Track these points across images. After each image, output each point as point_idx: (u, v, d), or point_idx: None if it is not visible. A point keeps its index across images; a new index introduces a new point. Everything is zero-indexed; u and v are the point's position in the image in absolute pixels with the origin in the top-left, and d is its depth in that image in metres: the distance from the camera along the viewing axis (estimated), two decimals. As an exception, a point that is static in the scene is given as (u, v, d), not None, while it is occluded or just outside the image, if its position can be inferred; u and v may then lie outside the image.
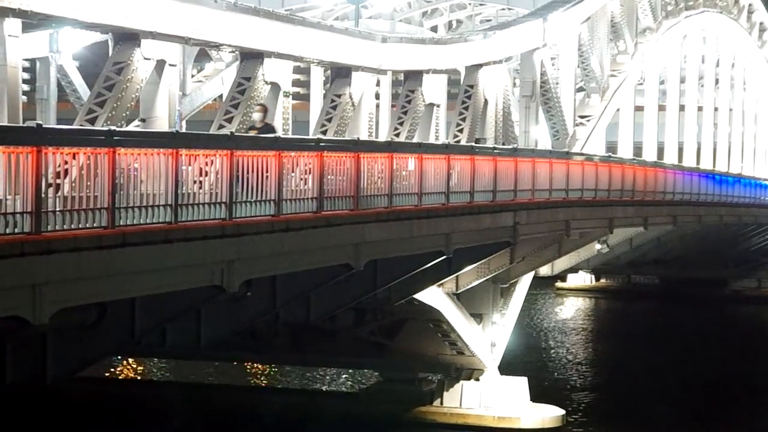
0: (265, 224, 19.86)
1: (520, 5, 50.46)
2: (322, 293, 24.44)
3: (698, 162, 63.10)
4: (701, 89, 64.76)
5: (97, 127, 21.55)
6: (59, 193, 15.59)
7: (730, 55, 69.31)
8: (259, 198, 19.68)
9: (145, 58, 23.36)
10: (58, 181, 15.56)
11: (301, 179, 21.19)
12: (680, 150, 60.49)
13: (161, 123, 24.39)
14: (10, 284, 14.90)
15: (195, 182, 18.32)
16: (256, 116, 23.76)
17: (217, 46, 27.75)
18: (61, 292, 15.71)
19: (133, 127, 24.46)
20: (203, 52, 40.72)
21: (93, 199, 16.05)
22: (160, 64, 24.08)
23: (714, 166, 65.63)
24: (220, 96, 39.66)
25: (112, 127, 18.66)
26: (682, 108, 61.00)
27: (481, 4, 56.89)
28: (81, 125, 21.86)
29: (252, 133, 22.35)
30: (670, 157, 57.90)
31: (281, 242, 20.48)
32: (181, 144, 17.93)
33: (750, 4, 73.21)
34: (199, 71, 46.08)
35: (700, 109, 64.13)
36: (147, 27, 23.22)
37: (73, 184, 15.83)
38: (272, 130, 22.93)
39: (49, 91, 31.30)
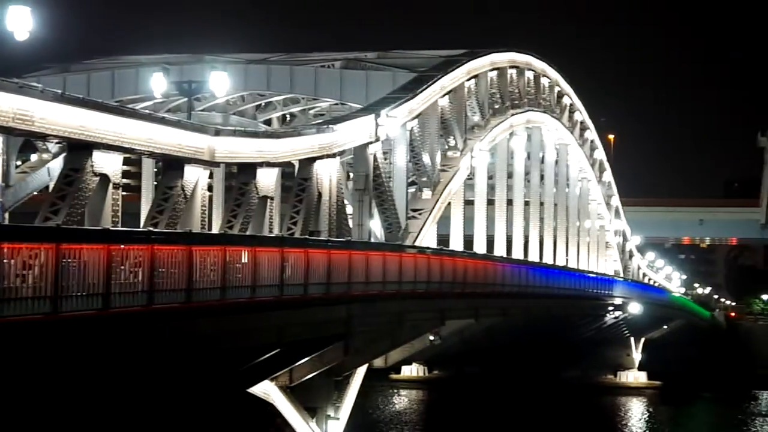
0: (93, 318, 19.23)
1: (353, 100, 51.12)
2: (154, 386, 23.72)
3: (526, 255, 64.74)
4: (528, 184, 66.78)
5: None
6: None
7: (553, 152, 71.94)
8: (86, 291, 19.07)
9: (-34, 148, 22.57)
10: None
11: (131, 272, 20.66)
12: (509, 243, 61.99)
13: (-17, 215, 23.50)
14: None
15: (18, 276, 17.63)
16: None
17: (44, 137, 27.03)
18: None
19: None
20: (29, 142, 39.65)
21: None
22: (-18, 155, 23.30)
23: (541, 259, 67.44)
24: (47, 187, 38.64)
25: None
26: (510, 202, 62.69)
27: (314, 99, 57.36)
28: None
29: None
30: (499, 250, 59.24)
31: (110, 337, 19.85)
32: (3, 237, 17.27)
33: (571, 104, 76.41)
34: (23, 162, 44.87)
35: (527, 203, 66.06)
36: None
37: None
38: None
39: None
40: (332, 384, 37.10)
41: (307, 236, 33.54)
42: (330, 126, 38.26)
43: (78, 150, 26.48)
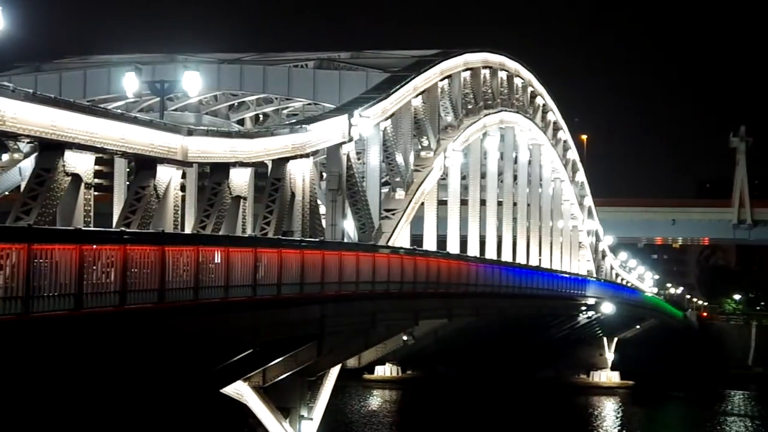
0: (65, 319, 19.14)
1: (326, 100, 51.11)
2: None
3: (499, 255, 64.88)
4: (501, 184, 66.94)
5: None
6: None
7: (527, 152, 72.13)
8: (58, 292, 18.98)
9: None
10: None
11: (104, 272, 20.57)
12: (482, 243, 62.11)
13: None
14: None
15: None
16: None
17: (15, 137, 26.87)
18: None
19: None
20: (0, 141, 39.35)
21: None
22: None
23: (514, 259, 67.61)
24: (18, 187, 38.41)
25: None
26: (483, 203, 62.82)
27: (287, 99, 57.31)
28: None
29: None
30: (473, 250, 59.36)
31: (82, 338, 19.76)
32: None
33: (544, 104, 76.66)
34: (-5, 161, 44.53)
35: (500, 203, 66.21)
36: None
37: None
38: None
39: None
40: (306, 384, 37.08)
41: (280, 236, 33.49)
42: (303, 126, 38.22)
43: (50, 150, 26.35)
